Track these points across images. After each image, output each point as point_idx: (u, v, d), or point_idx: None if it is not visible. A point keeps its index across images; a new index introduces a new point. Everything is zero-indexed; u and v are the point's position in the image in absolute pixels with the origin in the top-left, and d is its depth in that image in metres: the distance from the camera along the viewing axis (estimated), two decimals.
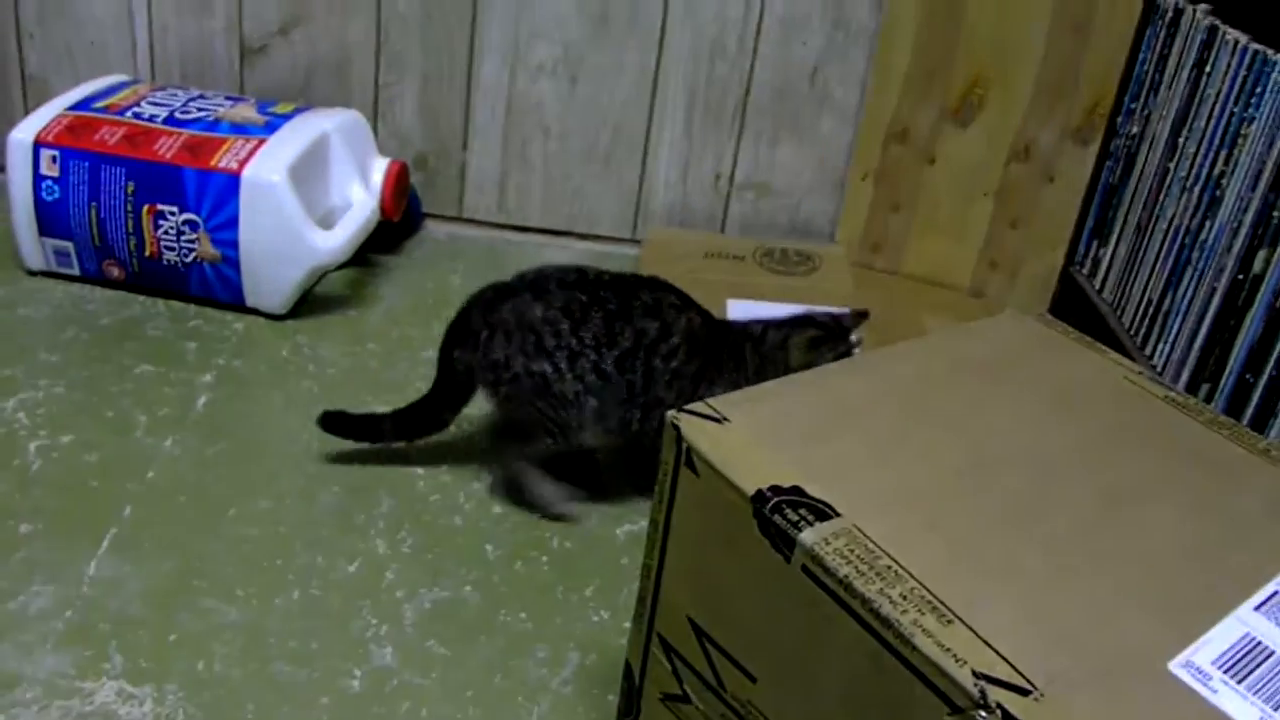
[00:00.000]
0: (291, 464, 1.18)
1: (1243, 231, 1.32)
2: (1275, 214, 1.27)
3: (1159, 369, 1.45)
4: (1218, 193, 1.38)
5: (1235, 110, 1.35)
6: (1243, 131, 1.34)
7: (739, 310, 1.46)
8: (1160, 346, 1.46)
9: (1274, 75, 1.29)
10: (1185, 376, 1.39)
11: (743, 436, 0.74)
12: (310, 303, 1.46)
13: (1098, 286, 1.64)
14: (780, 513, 0.67)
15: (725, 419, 0.76)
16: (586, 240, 1.73)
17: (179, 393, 1.26)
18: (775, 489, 0.69)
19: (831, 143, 1.65)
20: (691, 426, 0.74)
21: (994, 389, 0.86)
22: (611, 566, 1.11)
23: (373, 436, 1.19)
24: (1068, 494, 0.75)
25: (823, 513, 0.68)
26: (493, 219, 1.72)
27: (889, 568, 0.65)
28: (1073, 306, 1.68)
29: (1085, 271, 1.69)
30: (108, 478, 1.12)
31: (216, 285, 1.39)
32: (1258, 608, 0.68)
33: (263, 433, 1.22)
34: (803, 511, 0.68)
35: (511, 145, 1.66)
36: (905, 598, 0.62)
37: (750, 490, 0.69)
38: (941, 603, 0.63)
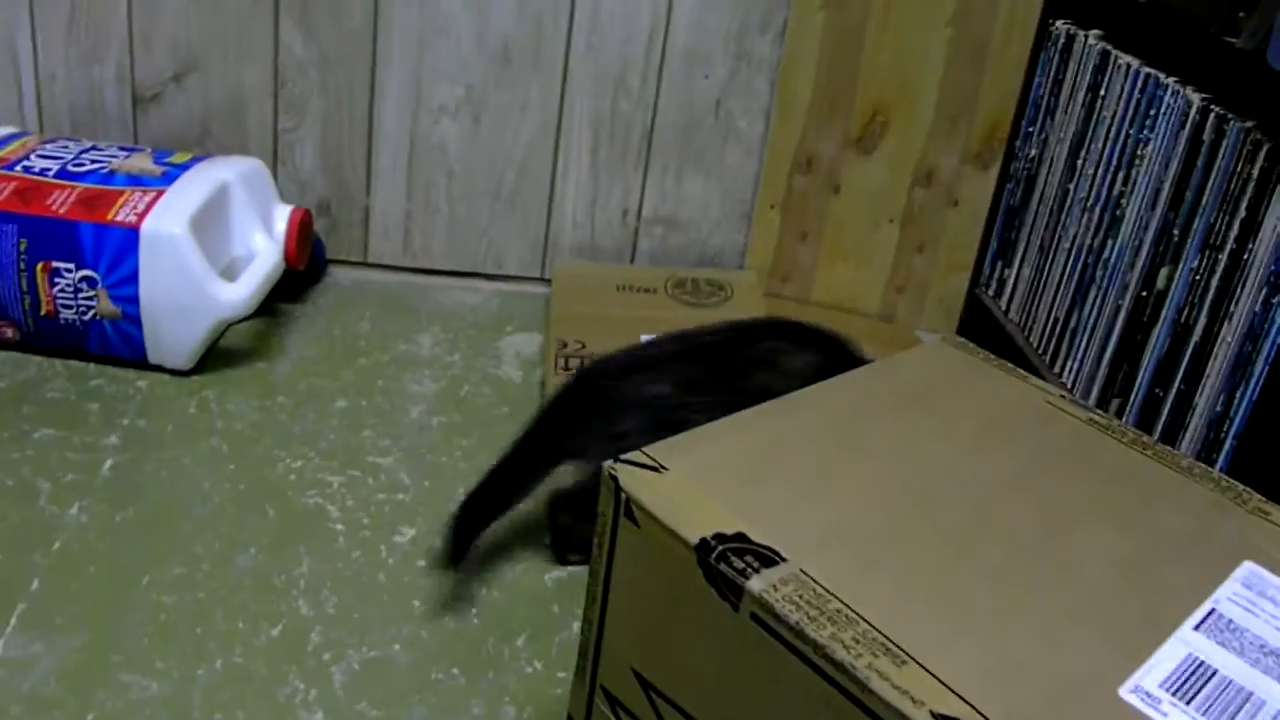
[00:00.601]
0: (205, 526, 1.14)
1: (1144, 250, 1.35)
2: (1175, 232, 1.30)
3: (1069, 386, 1.48)
4: (1118, 212, 1.41)
5: (1130, 132, 1.38)
6: (1139, 153, 1.37)
7: None
8: (1069, 364, 1.48)
9: (1166, 98, 1.32)
10: (1095, 392, 1.41)
11: (682, 484, 0.73)
12: (215, 357, 1.42)
13: (1004, 307, 1.67)
14: (726, 561, 0.67)
15: (663, 467, 0.75)
16: (495, 280, 1.71)
17: (83, 457, 1.21)
18: (719, 537, 0.68)
19: (738, 174, 1.65)
20: (630, 477, 0.73)
21: (924, 419, 0.86)
22: (542, 615, 1.09)
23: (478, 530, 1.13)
24: (1005, 521, 0.75)
25: (768, 558, 0.67)
26: (398, 263, 1.69)
27: (839, 611, 0.64)
28: (980, 327, 1.71)
29: (991, 293, 1.71)
30: (11, 551, 1.08)
31: (117, 343, 1.35)
32: (1197, 627, 0.69)
33: (173, 495, 1.18)
34: (748, 558, 0.67)
35: (415, 188, 1.64)
36: (858, 641, 0.62)
37: (694, 539, 0.68)
38: (894, 644, 0.62)
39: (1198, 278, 1.26)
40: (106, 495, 1.16)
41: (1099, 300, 1.43)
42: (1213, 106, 1.24)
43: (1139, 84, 1.37)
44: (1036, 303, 1.58)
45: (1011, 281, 1.65)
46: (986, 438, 0.85)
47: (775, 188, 1.64)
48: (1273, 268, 1.14)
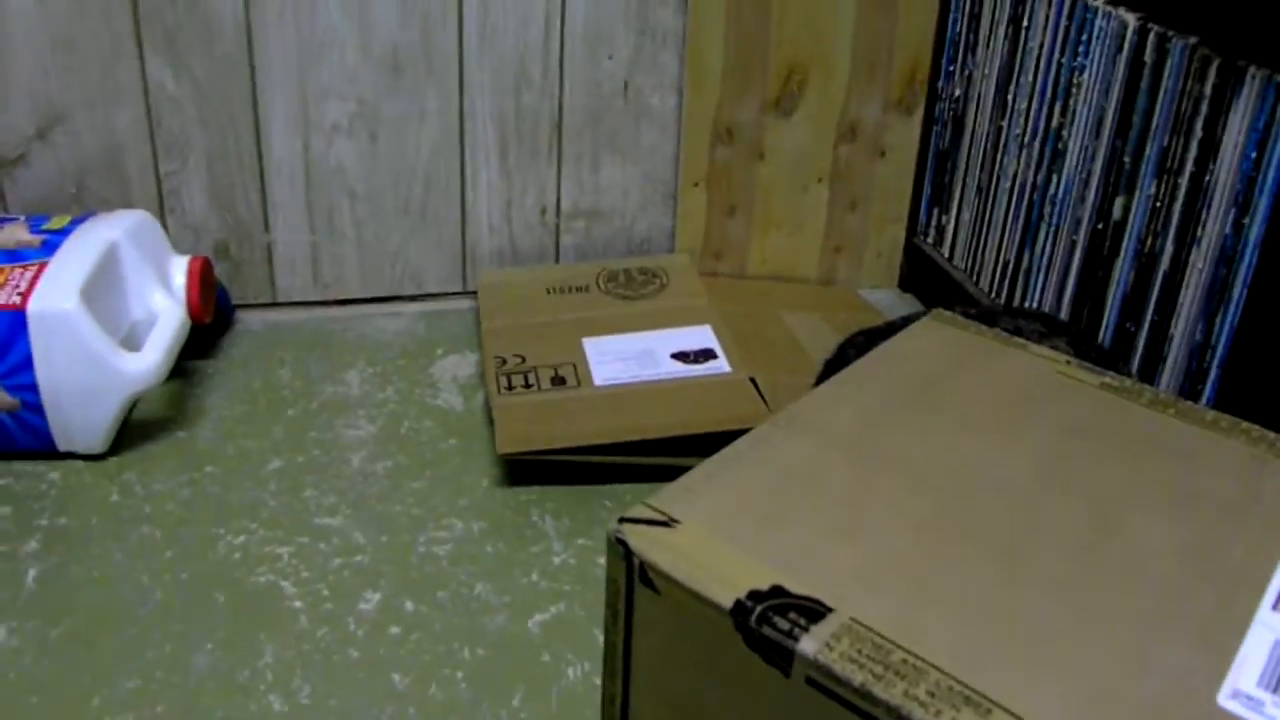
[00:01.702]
0: (152, 627, 1.04)
1: (1094, 181, 1.29)
2: (1126, 160, 1.24)
3: None
4: (1059, 145, 1.35)
5: (1063, 61, 1.32)
6: (1075, 81, 1.31)
7: (597, 350, 1.37)
8: (1027, 306, 1.43)
9: (1097, 21, 1.26)
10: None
11: (698, 537, 0.65)
12: (131, 433, 1.31)
13: (947, 254, 1.61)
14: (768, 622, 0.59)
15: (674, 520, 0.67)
16: (417, 301, 1.61)
17: (2, 569, 1.10)
18: (755, 595, 0.60)
19: (656, 155, 1.57)
20: (640, 538, 0.65)
21: (937, 414, 0.79)
22: (533, 667, 1.01)
23: None
24: (1052, 522, 0.69)
25: (814, 611, 0.60)
26: (311, 298, 1.58)
27: (905, 661, 0.57)
28: (923, 277, 1.65)
29: (931, 241, 1.65)
30: None
31: (20, 435, 1.24)
32: (1276, 606, 0.63)
33: (111, 598, 1.08)
34: (792, 615, 0.59)
35: (317, 215, 1.53)
36: (934, 695, 0.55)
37: (727, 602, 0.60)
38: (974, 690, 0.55)
39: (1158, 204, 1.20)
40: (36, 610, 1.06)
41: (1051, 238, 1.37)
42: (1150, 25, 1.19)
43: (1065, 10, 1.31)
44: (982, 246, 1.52)
45: (951, 227, 1.59)
46: (1006, 424, 0.78)
47: (697, 163, 1.56)
48: (1238, 187, 1.09)
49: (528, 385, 1.31)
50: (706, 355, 1.36)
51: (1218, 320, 1.12)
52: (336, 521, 1.18)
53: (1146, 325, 1.23)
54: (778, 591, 0.61)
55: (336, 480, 1.25)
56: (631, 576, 0.65)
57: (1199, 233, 1.14)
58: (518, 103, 1.51)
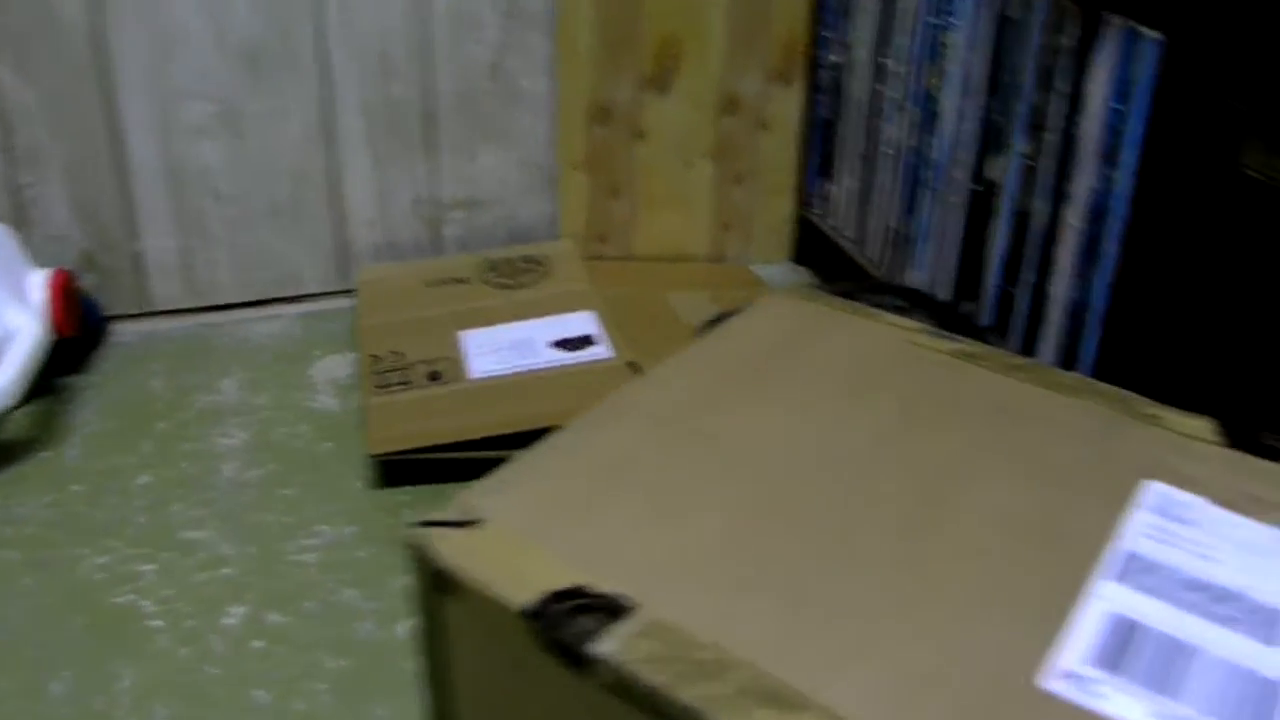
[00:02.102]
0: (7, 656, 1.00)
1: (968, 141, 1.27)
2: (998, 119, 1.22)
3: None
4: (934, 107, 1.32)
5: (932, 21, 1.29)
6: (943, 40, 1.28)
7: (474, 343, 1.33)
8: (914, 272, 1.40)
9: None
10: (947, 299, 1.33)
11: (503, 536, 0.62)
12: None
13: (835, 224, 1.58)
14: (565, 624, 0.55)
15: (478, 520, 0.63)
16: (295, 303, 1.56)
17: None
18: (554, 596, 0.57)
19: (532, 139, 1.53)
20: (441, 541, 0.61)
21: (774, 392, 0.76)
22: (398, 674, 0.97)
23: None
24: (884, 500, 0.66)
25: (616, 608, 0.56)
26: (184, 305, 1.53)
27: (710, 658, 0.53)
28: (815, 250, 1.62)
29: (819, 212, 1.62)
30: None
31: None
32: (1113, 577, 0.60)
33: None
34: (593, 615, 0.56)
35: (185, 220, 1.48)
36: (736, 693, 0.52)
37: (523, 605, 0.57)
38: (782, 684, 0.52)
39: (1030, 163, 1.18)
40: None
41: (932, 203, 1.35)
42: None
43: None
44: (867, 215, 1.49)
45: (839, 198, 1.57)
46: (848, 399, 0.75)
47: (574, 146, 1.52)
48: (1105, 140, 1.07)
49: (403, 383, 1.27)
50: (586, 342, 1.33)
51: (1094, 277, 1.10)
52: (203, 535, 1.14)
53: (1027, 287, 1.20)
54: (577, 591, 0.57)
55: (206, 492, 1.20)
56: (432, 583, 0.62)
57: (1070, 189, 1.12)
58: (385, 93, 1.46)
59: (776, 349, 0.81)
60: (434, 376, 1.28)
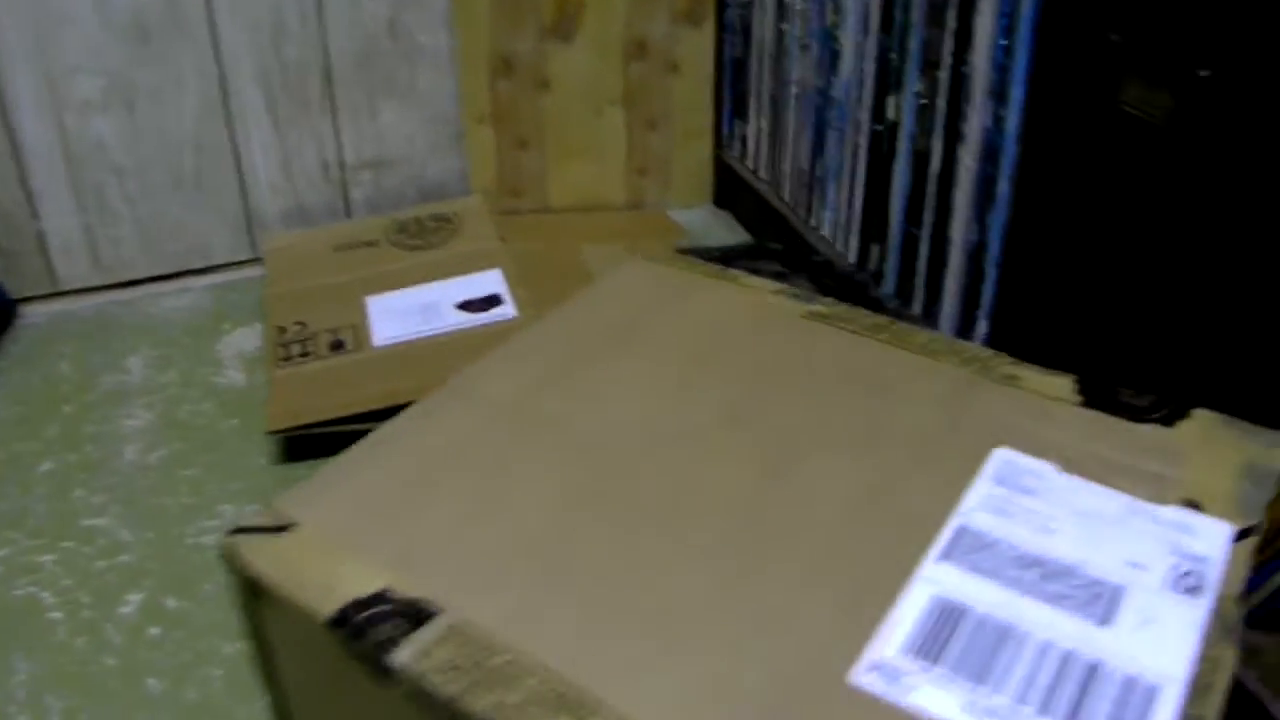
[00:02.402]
0: None
1: (868, 81, 1.24)
2: (893, 56, 1.19)
3: (830, 239, 1.37)
4: (834, 46, 1.29)
5: None
6: None
7: (380, 308, 1.31)
8: (825, 214, 1.38)
9: None
10: (855, 243, 1.31)
11: (314, 541, 0.60)
12: None
13: (751, 166, 1.55)
14: (365, 633, 0.54)
15: (290, 524, 0.61)
16: (206, 274, 1.54)
17: None
18: (357, 603, 0.56)
19: (435, 95, 1.50)
20: (250, 549, 0.60)
21: (616, 371, 0.74)
22: None
23: None
24: (719, 481, 0.64)
25: (419, 614, 0.55)
26: (93, 283, 1.50)
27: (507, 664, 0.52)
28: (734, 193, 1.59)
29: (736, 153, 1.59)
30: None
31: None
32: (944, 557, 0.58)
33: None
34: (395, 622, 0.54)
35: (86, 197, 1.45)
36: (531, 701, 0.50)
37: (327, 613, 0.55)
38: (579, 689, 0.51)
39: (924, 102, 1.15)
40: None
41: (838, 142, 1.32)
42: None
43: None
44: (780, 156, 1.46)
45: (753, 138, 1.54)
46: (696, 371, 0.74)
47: (478, 100, 1.49)
48: (994, 77, 1.04)
49: (306, 354, 1.25)
50: (492, 302, 1.30)
51: (989, 219, 1.08)
52: (104, 521, 1.13)
53: (927, 228, 1.18)
54: (381, 598, 0.56)
55: (109, 477, 1.18)
56: (247, 592, 0.60)
57: (964, 128, 1.09)
58: (279, 56, 1.43)
59: (626, 323, 0.79)
60: (337, 346, 1.26)
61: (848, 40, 1.26)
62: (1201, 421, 0.69)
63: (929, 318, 1.18)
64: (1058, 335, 1.01)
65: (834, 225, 1.36)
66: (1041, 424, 0.69)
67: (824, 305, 0.80)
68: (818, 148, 1.36)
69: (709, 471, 0.64)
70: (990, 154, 1.06)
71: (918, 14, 1.13)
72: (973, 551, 0.59)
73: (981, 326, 1.11)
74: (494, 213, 1.54)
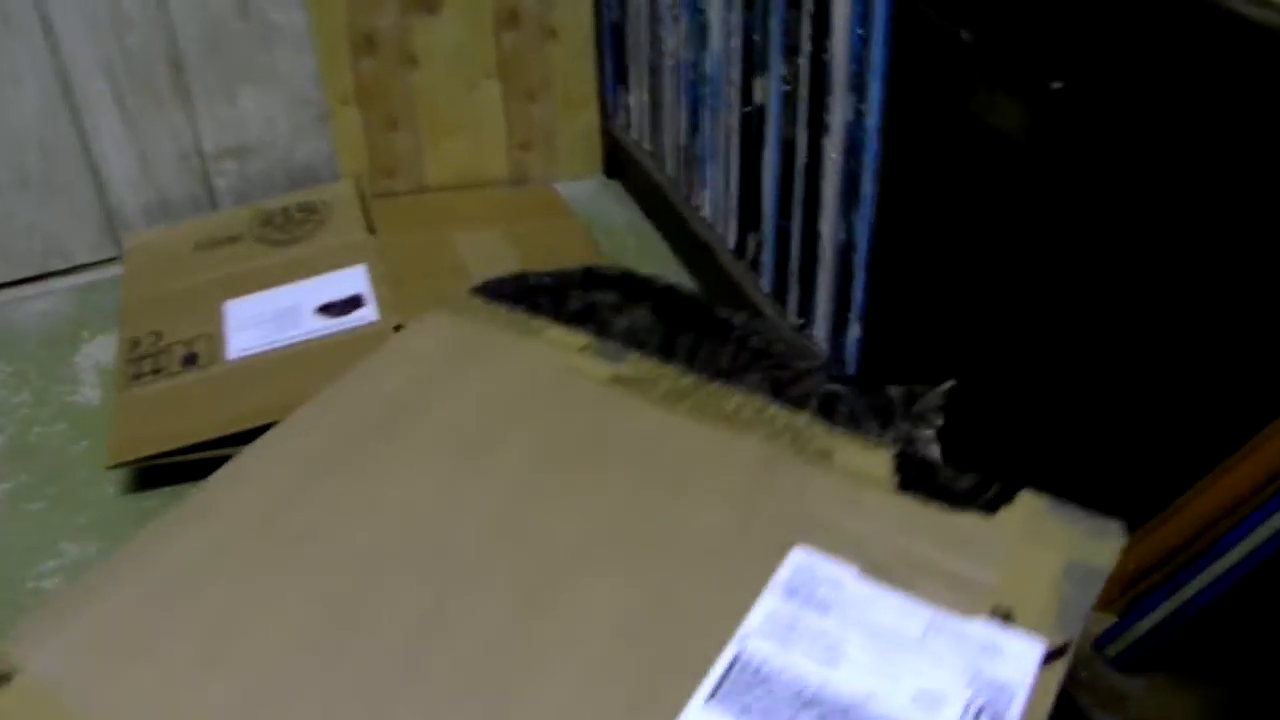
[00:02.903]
0: None
1: (735, 59, 1.16)
2: (756, 37, 1.11)
3: (710, 222, 1.30)
4: (701, 18, 1.21)
5: None
6: None
7: (237, 315, 1.25)
8: (705, 195, 1.31)
9: None
10: (733, 228, 1.25)
11: (33, 695, 0.55)
12: None
13: (635, 137, 1.48)
14: None
15: (10, 674, 0.56)
16: (69, 275, 1.46)
17: None
18: None
19: (295, 77, 1.41)
20: None
21: (378, 469, 0.68)
22: None
23: None
24: (471, 613, 0.58)
25: None
26: None
27: None
28: (623, 163, 1.52)
29: (621, 124, 1.52)
30: None
31: None
32: (711, 698, 0.53)
33: None
34: None
35: None
36: None
37: None
38: None
39: (788, 87, 1.08)
40: None
41: (712, 121, 1.25)
42: None
43: None
44: (661, 129, 1.39)
45: (635, 109, 1.46)
46: (468, 467, 0.68)
47: (340, 80, 1.41)
48: (853, 68, 0.97)
49: (157, 370, 1.19)
50: (353, 304, 1.24)
51: (855, 217, 1.02)
52: None
53: (797, 222, 1.12)
54: None
55: None
56: None
57: (828, 120, 1.02)
58: (122, 46, 1.33)
59: (404, 402, 0.73)
60: (189, 360, 1.20)
61: (714, 14, 1.18)
62: (1026, 509, 0.64)
63: (804, 316, 1.13)
64: (926, 342, 0.95)
65: (714, 208, 1.29)
66: (849, 515, 0.63)
67: (631, 365, 0.74)
68: (694, 124, 1.29)
69: (464, 602, 0.59)
70: (854, 149, 0.99)
71: None
72: (746, 690, 0.54)
73: (854, 330, 1.06)
74: (369, 196, 1.47)
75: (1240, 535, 0.71)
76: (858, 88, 0.97)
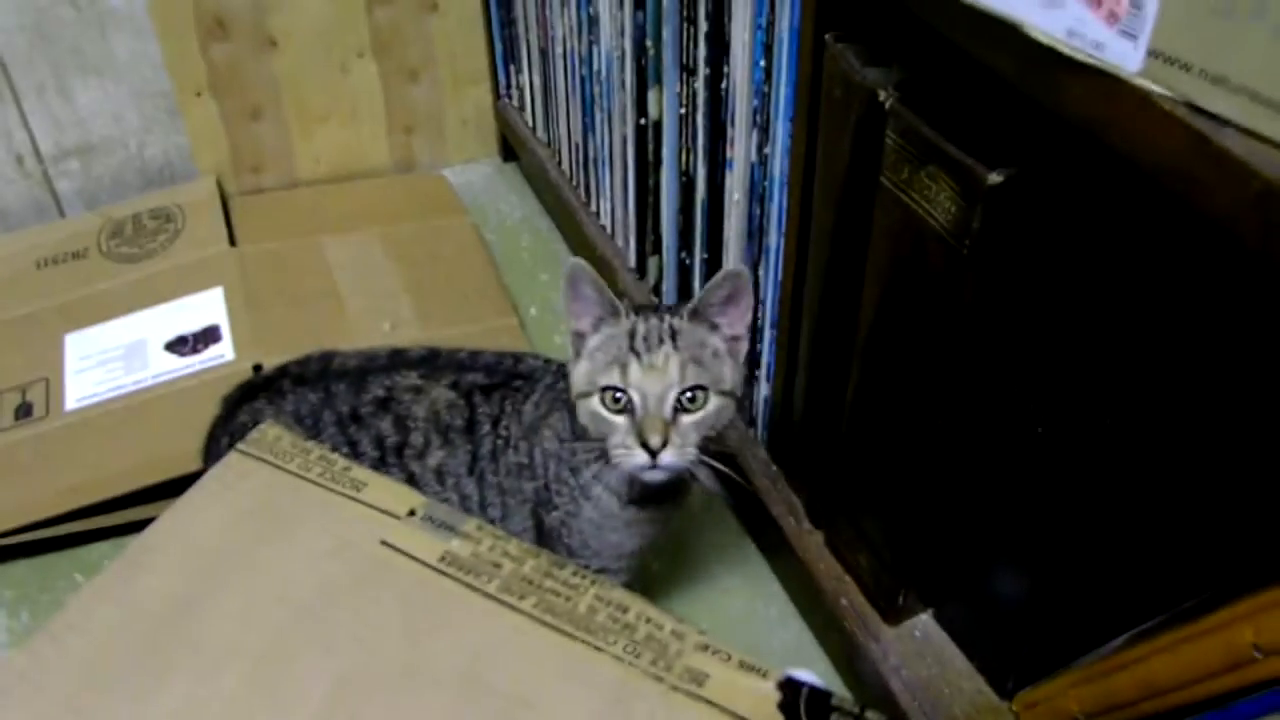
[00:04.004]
0: None
1: (628, 62, 1.01)
2: (649, 43, 0.96)
3: (609, 232, 1.16)
4: (592, 9, 1.06)
5: None
6: None
7: (78, 352, 1.11)
8: (603, 203, 1.17)
9: None
10: (633, 245, 1.11)
11: None
12: None
13: (530, 124, 1.32)
14: None
15: None
16: None
17: None
18: None
19: (138, 66, 1.24)
20: None
21: (168, 674, 0.56)
22: None
23: None
24: None
25: None
26: None
27: None
28: (519, 146, 1.36)
29: (515, 103, 1.36)
30: None
31: None
32: None
33: None
34: None
35: None
36: None
37: None
38: None
39: (684, 110, 0.93)
40: None
41: (606, 124, 1.10)
42: None
43: None
44: (555, 120, 1.24)
45: (528, 91, 1.30)
46: (268, 685, 0.55)
47: (189, 67, 1.24)
48: (755, 103, 0.83)
49: None
50: (209, 338, 1.10)
51: (761, 271, 0.88)
52: None
53: (698, 259, 0.98)
54: None
55: None
56: None
57: (729, 154, 0.88)
58: None
59: (182, 602, 0.60)
60: (23, 411, 1.06)
61: (605, 8, 1.03)
62: None
63: None
64: (842, 418, 0.82)
65: (611, 219, 1.15)
66: None
67: (464, 541, 0.62)
68: (588, 124, 1.14)
69: None
70: (758, 195, 0.86)
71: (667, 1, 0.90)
72: None
73: (762, 388, 0.93)
74: (234, 195, 1.31)
75: None
76: (762, 126, 0.83)
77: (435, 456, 0.80)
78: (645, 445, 0.67)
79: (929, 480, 0.73)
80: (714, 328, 0.72)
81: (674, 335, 0.70)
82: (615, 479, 0.74)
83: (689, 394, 0.69)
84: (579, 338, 0.73)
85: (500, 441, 0.80)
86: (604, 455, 0.70)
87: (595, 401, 0.70)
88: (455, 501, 0.78)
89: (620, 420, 0.69)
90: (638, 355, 0.69)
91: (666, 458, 0.67)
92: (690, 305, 0.71)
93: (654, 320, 0.71)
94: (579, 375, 0.72)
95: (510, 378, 0.82)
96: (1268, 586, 0.56)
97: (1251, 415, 0.58)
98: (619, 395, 0.69)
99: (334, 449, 0.77)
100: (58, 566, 1.00)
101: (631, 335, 0.71)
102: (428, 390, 0.82)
